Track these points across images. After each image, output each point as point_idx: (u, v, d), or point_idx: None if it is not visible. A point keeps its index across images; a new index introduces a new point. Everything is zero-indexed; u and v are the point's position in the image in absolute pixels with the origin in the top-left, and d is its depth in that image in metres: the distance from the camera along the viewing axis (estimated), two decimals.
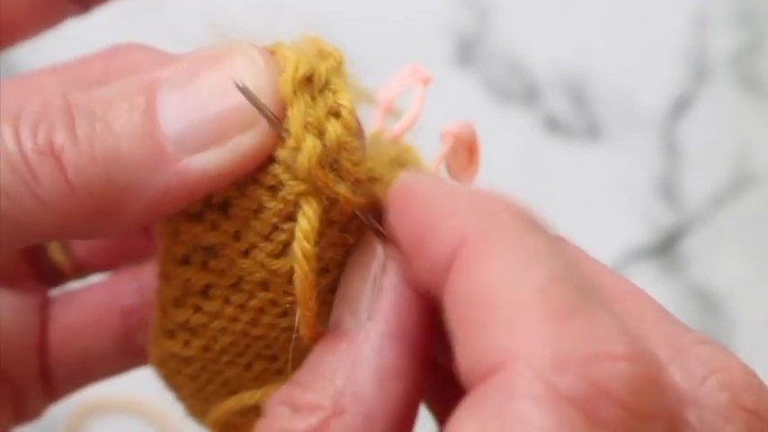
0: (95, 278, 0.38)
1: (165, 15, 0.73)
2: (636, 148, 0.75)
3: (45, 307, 0.36)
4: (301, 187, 0.26)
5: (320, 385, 0.26)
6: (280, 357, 0.31)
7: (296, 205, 0.27)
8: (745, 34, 0.77)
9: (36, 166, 0.25)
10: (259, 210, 0.27)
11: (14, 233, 0.26)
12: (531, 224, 0.24)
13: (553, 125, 0.75)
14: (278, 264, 0.28)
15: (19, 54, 0.35)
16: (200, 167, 0.25)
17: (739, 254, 0.74)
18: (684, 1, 0.77)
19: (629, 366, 0.21)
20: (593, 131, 0.75)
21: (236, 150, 0.26)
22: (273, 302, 0.29)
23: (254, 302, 0.29)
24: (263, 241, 0.28)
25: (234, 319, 0.30)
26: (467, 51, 0.76)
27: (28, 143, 0.25)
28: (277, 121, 0.26)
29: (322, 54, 0.27)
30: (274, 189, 0.26)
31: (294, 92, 0.26)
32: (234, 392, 0.32)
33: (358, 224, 0.28)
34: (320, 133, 0.26)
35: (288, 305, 0.29)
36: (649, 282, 0.73)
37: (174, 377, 0.32)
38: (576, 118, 0.75)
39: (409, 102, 0.32)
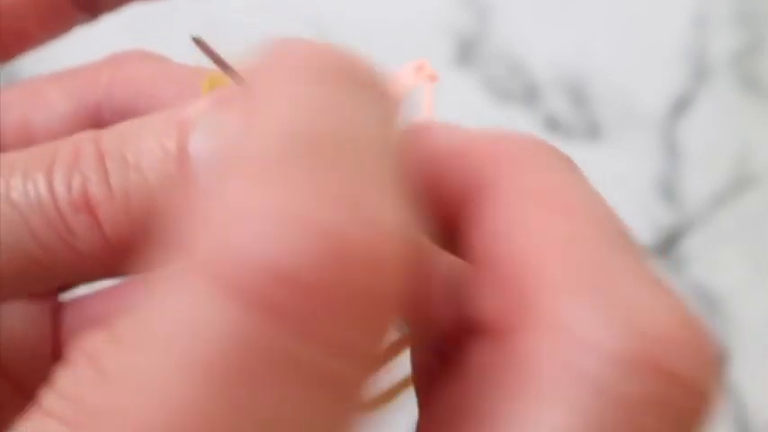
0: (105, 283, 0.38)
1: (171, 22, 0.73)
2: (636, 148, 0.75)
3: (56, 312, 0.36)
4: None
5: None
6: None
7: None
8: (745, 34, 0.77)
9: (72, 221, 0.25)
10: None
11: (50, 278, 0.26)
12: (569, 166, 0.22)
13: (553, 125, 0.75)
14: None
15: (23, 61, 0.35)
16: None
17: (739, 254, 0.74)
18: (684, 1, 0.77)
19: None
20: (593, 131, 0.75)
21: None
22: None
23: None
24: None
25: None
26: (467, 51, 0.76)
27: (63, 197, 0.25)
28: (232, 71, 0.26)
29: None
30: None
31: None
32: None
33: None
34: None
35: None
36: None
37: None
38: (576, 118, 0.75)
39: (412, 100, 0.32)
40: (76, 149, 0.25)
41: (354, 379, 0.17)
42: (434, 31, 0.75)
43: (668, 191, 0.75)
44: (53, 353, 0.35)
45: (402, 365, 0.29)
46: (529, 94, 0.75)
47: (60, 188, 0.25)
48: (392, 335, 0.25)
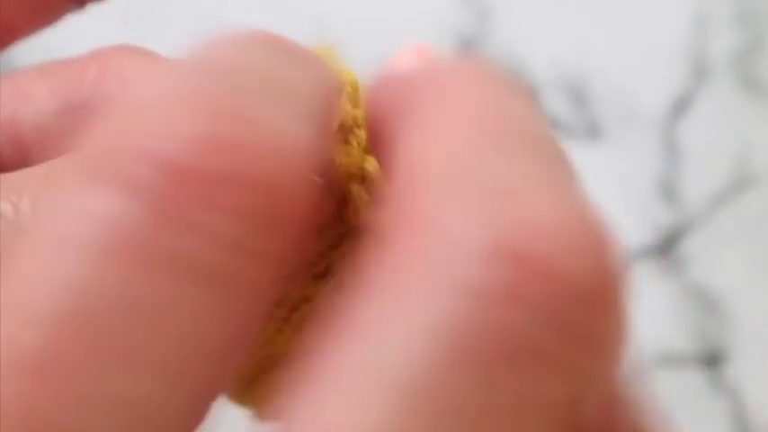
0: None
1: (164, 13, 0.73)
2: (636, 148, 0.75)
3: None
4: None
5: None
6: None
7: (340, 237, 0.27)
8: (745, 34, 0.77)
9: None
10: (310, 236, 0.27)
11: None
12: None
13: (553, 125, 0.75)
14: (319, 285, 0.28)
15: (16, 49, 0.35)
16: None
17: (739, 254, 0.74)
18: (684, 1, 0.77)
19: None
20: (593, 131, 0.75)
21: None
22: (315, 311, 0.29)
23: (296, 315, 0.29)
24: (307, 265, 0.28)
25: (278, 331, 0.30)
26: (467, 51, 0.76)
27: None
28: None
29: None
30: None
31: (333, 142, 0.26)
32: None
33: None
34: (362, 177, 0.26)
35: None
36: (649, 282, 0.73)
37: None
38: (576, 118, 0.75)
39: None
40: None
41: (238, 275, 0.17)
42: (434, 31, 0.76)
43: (668, 191, 0.75)
44: None
45: None
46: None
47: None
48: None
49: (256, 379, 0.32)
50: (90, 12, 0.35)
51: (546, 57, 0.76)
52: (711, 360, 0.73)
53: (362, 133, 0.27)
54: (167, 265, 0.16)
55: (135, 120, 0.17)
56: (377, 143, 0.24)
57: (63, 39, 0.34)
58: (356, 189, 0.26)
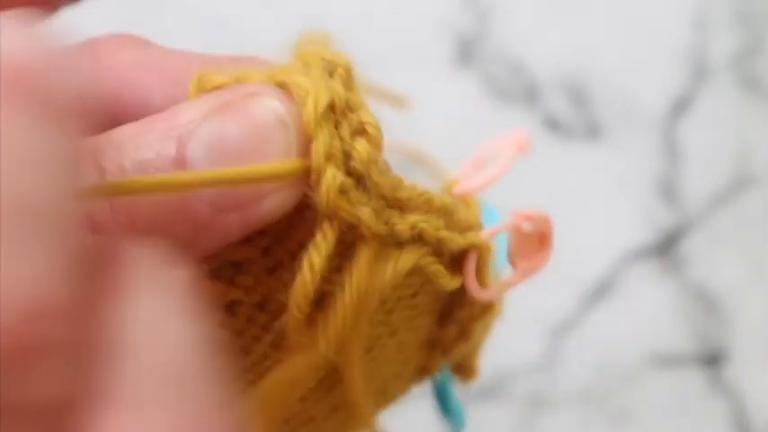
0: None
1: (165, 13, 0.73)
2: (636, 148, 0.75)
3: None
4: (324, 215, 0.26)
5: None
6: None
7: (321, 224, 0.27)
8: (745, 34, 0.77)
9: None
10: (290, 225, 0.27)
11: None
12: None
13: (553, 125, 0.75)
14: None
15: None
16: (238, 224, 0.26)
17: (739, 254, 0.74)
18: (684, 1, 0.77)
19: None
20: (593, 131, 0.75)
21: (272, 207, 0.26)
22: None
23: (277, 324, 0.29)
24: (289, 259, 0.28)
25: (256, 339, 0.29)
26: (467, 52, 0.76)
27: None
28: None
29: (330, 66, 0.27)
30: (303, 209, 0.27)
31: (317, 125, 0.25)
32: (254, 413, 0.32)
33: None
34: (347, 157, 0.26)
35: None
36: (649, 282, 0.73)
37: None
38: (576, 118, 0.75)
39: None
40: None
41: None
42: (434, 32, 0.76)
43: (668, 191, 0.75)
44: None
45: None
46: (529, 94, 0.76)
47: None
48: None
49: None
50: (90, 12, 0.35)
51: (546, 57, 0.76)
52: (711, 360, 0.73)
53: (355, 116, 0.26)
54: None
55: None
56: None
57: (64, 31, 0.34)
58: (331, 172, 0.25)
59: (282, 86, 0.26)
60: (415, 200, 0.27)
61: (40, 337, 0.18)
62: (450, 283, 0.28)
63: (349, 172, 0.26)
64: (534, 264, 0.29)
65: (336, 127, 0.26)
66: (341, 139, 0.26)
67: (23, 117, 0.19)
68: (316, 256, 0.26)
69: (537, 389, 0.72)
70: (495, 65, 0.76)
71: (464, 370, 0.34)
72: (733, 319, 0.74)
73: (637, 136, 0.76)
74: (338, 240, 0.26)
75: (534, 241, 0.29)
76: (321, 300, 0.28)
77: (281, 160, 0.25)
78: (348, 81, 0.27)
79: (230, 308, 0.29)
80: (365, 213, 0.26)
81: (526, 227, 0.28)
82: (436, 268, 0.27)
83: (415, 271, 0.27)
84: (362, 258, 0.26)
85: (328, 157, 0.25)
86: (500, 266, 0.29)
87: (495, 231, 0.28)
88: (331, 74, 0.27)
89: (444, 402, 0.33)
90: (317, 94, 0.26)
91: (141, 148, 0.25)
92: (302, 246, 0.27)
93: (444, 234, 0.27)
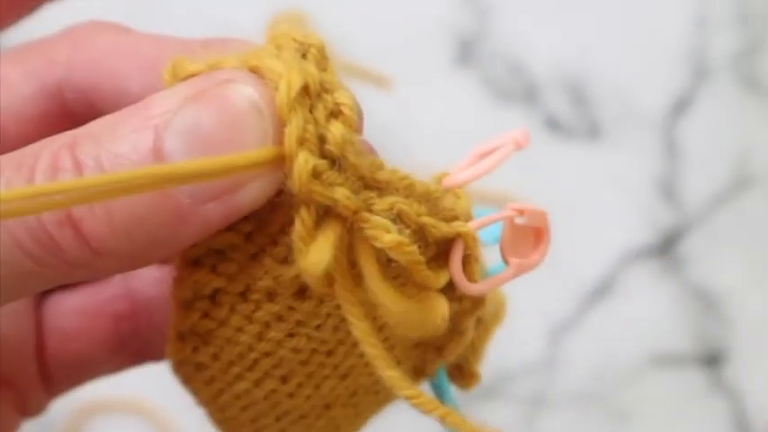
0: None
1: (165, 12, 0.73)
2: (636, 148, 0.75)
3: (38, 308, 0.36)
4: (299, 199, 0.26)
5: None
6: (290, 380, 0.31)
7: (299, 208, 0.26)
8: (745, 34, 0.77)
9: (58, 237, 0.25)
10: (272, 209, 0.27)
11: (45, 284, 0.27)
12: None
13: (553, 125, 0.75)
14: (281, 270, 0.28)
15: (12, 33, 0.35)
16: (219, 213, 0.26)
17: (739, 254, 0.74)
18: (684, 1, 0.77)
19: None
20: (593, 131, 0.75)
21: (252, 195, 0.26)
22: (279, 317, 0.29)
23: (259, 314, 0.29)
24: (271, 244, 0.27)
25: (239, 329, 0.29)
26: (467, 51, 0.76)
27: (45, 212, 0.25)
28: None
29: (302, 47, 0.27)
30: (282, 194, 0.26)
31: (291, 110, 0.25)
32: (245, 408, 0.32)
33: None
34: (322, 140, 0.26)
35: (295, 324, 0.29)
36: (649, 282, 0.73)
37: (189, 381, 0.32)
38: (576, 118, 0.75)
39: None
40: (54, 161, 0.25)
41: None
42: (434, 31, 0.76)
43: (668, 191, 0.75)
44: (37, 347, 0.35)
45: None
46: (529, 94, 0.75)
47: None
48: None
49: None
50: (91, 12, 0.35)
51: (546, 57, 0.76)
52: (711, 360, 0.73)
53: (330, 98, 0.26)
54: None
55: None
56: None
57: (61, 22, 0.34)
58: (303, 156, 0.25)
59: (256, 71, 0.26)
60: (396, 183, 0.27)
61: None
62: (426, 273, 0.27)
63: (324, 154, 0.25)
64: (529, 260, 0.28)
65: (311, 110, 0.26)
66: (315, 121, 0.25)
67: None
68: (298, 241, 0.26)
69: (537, 389, 0.72)
70: (495, 65, 0.76)
71: (464, 374, 0.33)
72: (733, 319, 0.74)
73: (637, 136, 0.75)
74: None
75: (530, 237, 0.28)
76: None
77: (256, 147, 0.25)
78: (322, 61, 0.27)
79: (213, 297, 0.29)
80: (341, 194, 0.25)
81: (520, 221, 0.27)
82: (411, 250, 0.26)
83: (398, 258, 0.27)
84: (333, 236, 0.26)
85: (301, 142, 0.25)
86: (501, 269, 0.29)
87: (484, 222, 0.27)
88: (304, 55, 0.27)
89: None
90: (289, 77, 0.25)
91: (118, 141, 0.25)
92: (283, 230, 0.27)
93: (426, 220, 0.27)
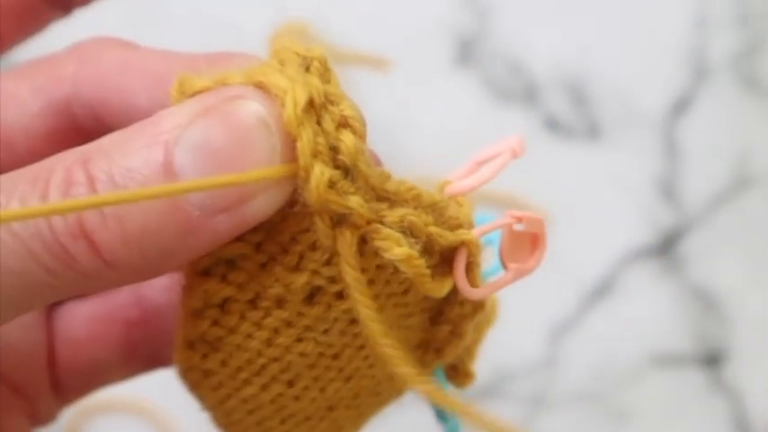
0: None
1: (166, 13, 0.73)
2: (636, 148, 0.75)
3: (50, 317, 0.36)
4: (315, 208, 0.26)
5: None
6: (297, 383, 0.31)
7: (312, 219, 0.27)
8: (746, 34, 0.77)
9: (71, 248, 0.26)
10: (282, 219, 0.27)
11: (59, 295, 0.27)
12: None
13: (553, 125, 0.75)
14: (291, 278, 0.28)
15: (19, 52, 0.35)
16: (229, 225, 0.26)
17: (739, 254, 0.74)
18: (684, 1, 0.77)
19: None
20: (593, 131, 0.75)
21: (261, 207, 0.26)
22: (288, 323, 0.29)
23: (269, 321, 0.29)
24: (281, 253, 0.28)
25: (248, 336, 0.30)
26: (467, 51, 0.76)
27: (60, 226, 0.26)
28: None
29: (305, 61, 0.27)
30: (292, 203, 0.27)
31: (299, 124, 0.26)
32: (251, 412, 0.32)
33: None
34: (334, 151, 0.26)
35: (303, 329, 0.29)
36: (649, 282, 0.73)
37: (196, 387, 0.32)
38: (576, 118, 0.75)
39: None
40: (68, 176, 0.26)
41: None
42: (434, 31, 0.76)
43: (668, 191, 0.75)
44: (48, 356, 0.36)
45: None
46: (529, 94, 0.76)
47: (56, 218, 0.25)
48: None
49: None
50: (93, 13, 0.35)
51: (546, 57, 0.76)
52: (711, 360, 0.73)
53: (336, 109, 0.27)
54: None
55: None
56: None
57: (63, 39, 0.34)
58: (319, 168, 0.25)
59: (261, 87, 0.26)
60: (404, 194, 0.27)
61: None
62: (431, 285, 0.28)
63: (337, 165, 0.26)
64: (526, 266, 0.29)
65: (319, 122, 0.26)
66: (325, 133, 0.26)
67: None
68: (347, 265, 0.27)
69: (537, 389, 0.72)
70: (495, 65, 0.76)
71: (459, 374, 0.34)
72: (733, 319, 0.74)
73: (637, 136, 0.76)
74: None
75: (527, 243, 0.29)
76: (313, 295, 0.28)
77: (265, 162, 0.26)
78: (325, 73, 0.27)
79: (223, 305, 0.29)
80: (355, 202, 0.26)
81: (518, 228, 0.28)
82: (420, 263, 0.27)
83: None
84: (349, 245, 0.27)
85: (315, 155, 0.26)
86: (496, 270, 0.29)
87: (485, 230, 0.28)
88: (307, 68, 0.27)
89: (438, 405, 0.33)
90: (294, 93, 0.26)
91: (129, 156, 0.26)
92: (294, 239, 0.28)
93: (433, 230, 0.27)
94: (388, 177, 0.27)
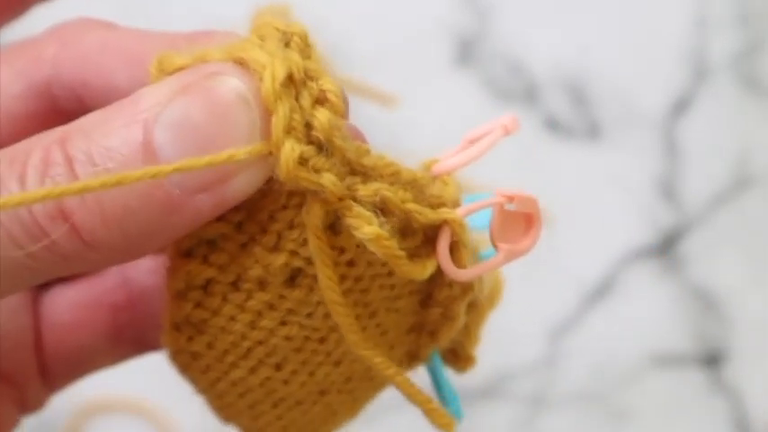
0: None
1: (165, 12, 0.73)
2: (636, 148, 0.75)
3: (35, 302, 0.36)
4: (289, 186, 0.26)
5: None
6: (284, 367, 0.31)
7: (289, 196, 0.27)
8: (746, 34, 0.77)
9: (50, 230, 0.25)
10: (262, 196, 0.27)
11: (40, 278, 0.27)
12: None
13: (553, 125, 0.75)
14: (270, 258, 0.28)
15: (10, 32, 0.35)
16: (210, 204, 0.26)
17: (739, 254, 0.74)
18: (684, 1, 0.77)
19: None
20: (593, 131, 0.75)
21: (242, 185, 0.26)
22: (271, 306, 0.29)
23: (251, 303, 0.29)
24: (260, 233, 0.28)
25: (231, 319, 0.30)
26: (467, 51, 0.76)
27: (38, 208, 0.25)
28: None
29: (285, 36, 0.27)
30: (271, 181, 0.27)
31: (277, 99, 0.26)
32: (242, 395, 0.32)
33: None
34: (309, 127, 0.26)
35: (286, 312, 0.29)
36: (649, 282, 0.73)
37: (186, 370, 0.32)
38: (576, 118, 0.75)
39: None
40: (46, 156, 0.26)
41: None
42: (434, 31, 0.75)
43: (668, 191, 0.75)
44: (35, 342, 0.35)
45: None
46: (529, 94, 0.75)
47: None
48: None
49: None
50: (92, 13, 0.35)
51: (546, 57, 0.76)
52: (711, 360, 0.73)
53: (315, 85, 0.26)
54: None
55: None
56: None
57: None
58: (290, 144, 0.25)
59: (241, 63, 0.26)
60: (381, 169, 0.27)
61: None
62: (408, 266, 0.27)
63: (311, 141, 0.26)
64: (519, 246, 0.27)
65: (297, 98, 0.26)
66: (301, 108, 0.26)
67: None
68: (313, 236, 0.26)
69: (537, 389, 0.72)
70: (495, 65, 0.76)
71: (459, 358, 0.33)
72: (733, 319, 0.74)
73: (637, 136, 0.75)
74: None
75: (520, 223, 0.28)
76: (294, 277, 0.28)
77: (245, 138, 0.25)
78: (305, 49, 0.27)
79: (205, 287, 0.29)
80: (327, 179, 0.26)
81: (510, 207, 0.27)
82: (389, 244, 0.26)
83: None
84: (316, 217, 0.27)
85: (288, 131, 0.26)
86: (492, 253, 0.28)
87: (472, 209, 0.27)
88: (287, 44, 0.27)
89: (438, 391, 0.33)
90: (273, 68, 0.26)
91: (108, 135, 0.26)
92: (272, 217, 0.27)
93: (412, 206, 0.27)
94: (367, 152, 0.27)
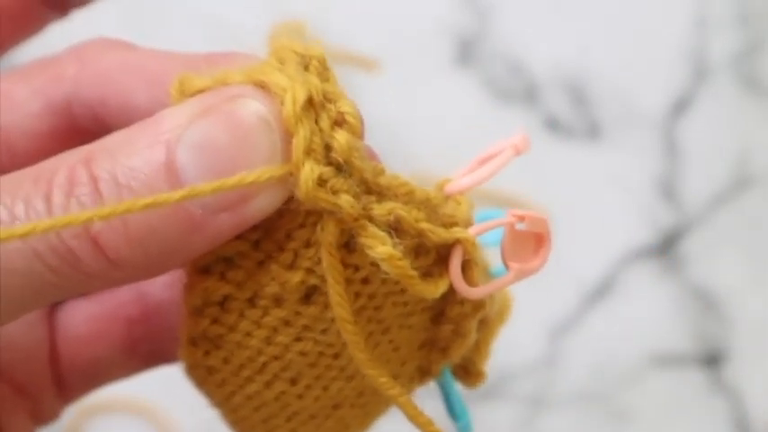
0: None
1: (165, 13, 0.73)
2: (636, 148, 0.75)
3: (51, 316, 0.36)
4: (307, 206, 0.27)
5: None
6: (299, 382, 0.31)
7: (306, 215, 0.27)
8: (746, 34, 0.77)
9: (76, 248, 0.26)
10: (279, 216, 0.27)
11: (63, 295, 0.27)
12: None
13: (553, 125, 0.75)
14: (287, 276, 0.28)
15: (21, 52, 0.35)
16: (230, 223, 0.27)
17: (739, 254, 0.75)
18: (684, 1, 0.77)
19: None
20: (593, 131, 0.75)
21: (262, 205, 0.27)
22: (286, 322, 0.29)
23: (267, 319, 0.29)
24: (277, 251, 0.28)
25: (248, 334, 0.30)
26: (467, 51, 0.76)
27: None
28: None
29: (304, 60, 0.28)
30: (288, 200, 0.27)
31: (297, 122, 0.26)
32: (257, 409, 0.32)
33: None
34: (328, 149, 0.26)
35: (302, 328, 0.29)
36: (649, 282, 0.73)
37: (202, 384, 0.32)
38: (576, 118, 0.75)
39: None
40: (71, 175, 0.26)
41: None
42: (434, 32, 0.76)
43: (668, 191, 0.75)
44: (50, 354, 0.36)
45: None
46: (529, 94, 0.76)
47: (59, 215, 0.26)
48: None
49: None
50: (93, 14, 0.35)
51: (546, 57, 0.76)
52: (711, 360, 0.73)
53: (333, 107, 0.27)
54: None
55: None
56: None
57: (65, 40, 0.34)
58: (309, 166, 0.26)
59: (261, 85, 0.27)
60: (396, 188, 0.27)
61: None
62: (421, 286, 0.28)
63: (329, 162, 0.26)
64: (530, 265, 0.28)
65: (316, 120, 0.26)
66: (321, 131, 0.26)
67: None
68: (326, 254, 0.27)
69: (537, 389, 0.72)
70: (495, 65, 0.76)
71: (469, 374, 0.33)
72: (733, 319, 0.74)
73: (637, 136, 0.76)
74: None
75: (531, 242, 0.28)
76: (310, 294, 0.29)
77: (266, 160, 0.26)
78: (324, 72, 0.28)
79: (222, 304, 0.29)
80: (345, 200, 0.26)
81: (521, 227, 0.28)
82: (402, 264, 0.27)
83: None
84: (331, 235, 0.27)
85: (308, 152, 0.26)
86: (503, 269, 0.29)
87: (483, 228, 0.28)
88: (306, 67, 0.27)
89: (448, 405, 0.33)
90: (293, 91, 0.26)
91: (132, 156, 0.26)
92: (288, 236, 0.28)
93: (425, 226, 0.27)
94: (382, 171, 0.27)
